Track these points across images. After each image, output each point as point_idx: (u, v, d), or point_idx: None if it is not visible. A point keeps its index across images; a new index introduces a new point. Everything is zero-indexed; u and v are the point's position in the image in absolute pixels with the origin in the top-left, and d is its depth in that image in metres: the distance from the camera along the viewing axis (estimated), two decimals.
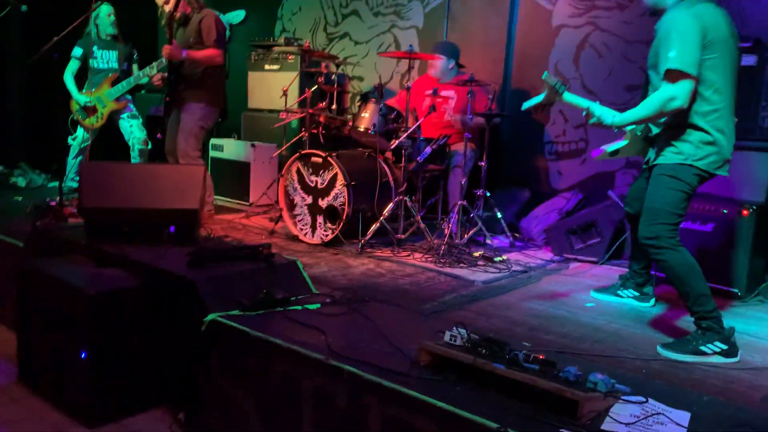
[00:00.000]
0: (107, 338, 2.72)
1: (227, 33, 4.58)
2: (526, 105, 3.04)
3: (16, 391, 2.95)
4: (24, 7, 4.86)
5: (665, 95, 2.61)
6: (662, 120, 2.78)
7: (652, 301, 3.32)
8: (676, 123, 2.73)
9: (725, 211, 3.57)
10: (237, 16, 7.23)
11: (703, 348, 2.59)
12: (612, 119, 2.79)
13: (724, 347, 2.58)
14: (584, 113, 2.88)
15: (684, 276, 2.68)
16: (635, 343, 2.76)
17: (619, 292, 3.38)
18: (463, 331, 2.22)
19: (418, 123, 4.39)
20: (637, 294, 3.34)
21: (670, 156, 2.75)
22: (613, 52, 4.86)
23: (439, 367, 2.18)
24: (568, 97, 2.94)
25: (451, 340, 2.22)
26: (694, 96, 2.64)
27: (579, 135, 5.08)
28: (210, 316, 2.62)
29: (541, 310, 3.17)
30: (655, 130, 2.89)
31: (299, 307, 2.80)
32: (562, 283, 3.72)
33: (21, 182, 5.84)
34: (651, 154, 2.92)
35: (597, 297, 3.42)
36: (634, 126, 2.89)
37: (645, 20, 4.65)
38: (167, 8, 4.43)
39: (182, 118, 4.57)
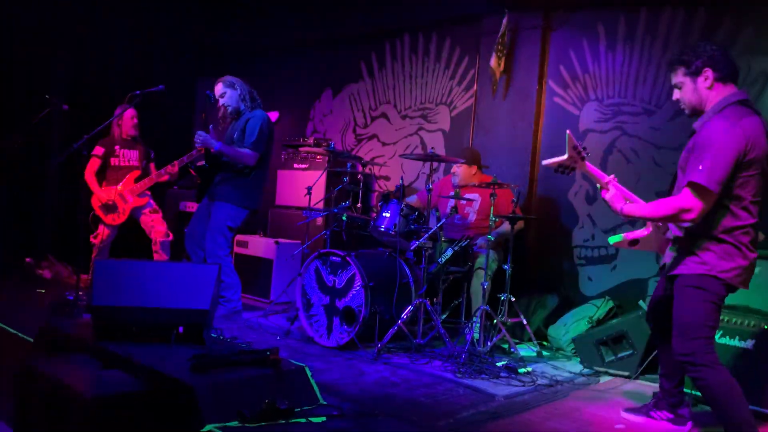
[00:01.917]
0: None
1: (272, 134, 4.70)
2: (547, 162, 2.95)
3: None
4: (65, 107, 5.09)
5: (681, 204, 2.54)
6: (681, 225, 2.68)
7: (689, 424, 3.04)
8: (699, 232, 2.61)
9: (766, 327, 3.33)
10: (271, 116, 7.46)
11: None
12: (620, 208, 2.73)
13: None
14: (599, 186, 2.83)
15: (723, 397, 2.48)
16: None
17: (651, 413, 3.11)
18: None
19: (439, 224, 4.31)
20: (671, 416, 3.06)
21: (693, 266, 2.61)
22: (641, 158, 4.79)
23: None
24: (585, 166, 2.87)
25: None
26: (720, 210, 2.55)
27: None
28: (207, 427, 2.46)
29: (568, 429, 2.91)
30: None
31: (303, 420, 2.63)
32: (590, 400, 3.46)
33: (47, 274, 5.88)
34: (669, 258, 2.78)
35: (629, 418, 3.15)
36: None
37: (673, 125, 4.63)
38: (221, 101, 4.60)
39: (212, 214, 4.58)
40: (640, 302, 4.26)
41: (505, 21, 5.17)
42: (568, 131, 2.88)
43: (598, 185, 2.85)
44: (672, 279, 2.73)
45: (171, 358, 2.96)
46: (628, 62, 4.89)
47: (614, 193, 2.77)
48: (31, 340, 3.62)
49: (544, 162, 2.97)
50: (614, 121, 4.94)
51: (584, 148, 2.90)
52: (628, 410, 3.20)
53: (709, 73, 2.63)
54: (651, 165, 4.72)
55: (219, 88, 4.61)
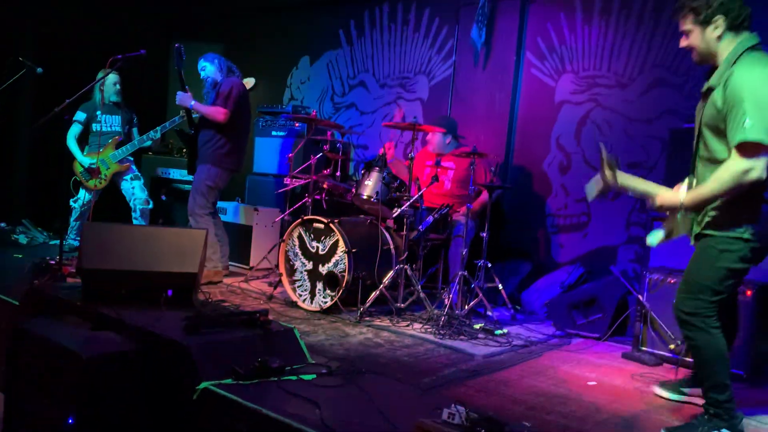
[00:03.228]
0: (97, 404, 2.64)
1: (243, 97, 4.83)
2: (591, 194, 2.75)
3: None
4: (40, 70, 5.00)
5: (739, 168, 2.35)
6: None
7: None
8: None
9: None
10: (247, 83, 7.42)
11: None
12: (680, 202, 2.53)
13: None
14: (648, 201, 2.63)
15: (710, 360, 2.54)
16: (640, 426, 2.67)
17: (683, 389, 3.07)
18: (461, 408, 2.16)
19: (420, 192, 4.42)
20: None
21: (725, 226, 2.50)
22: (614, 129, 4.94)
23: None
24: (625, 179, 2.66)
25: (448, 418, 2.15)
26: None
27: (581, 209, 5.10)
28: (202, 384, 2.55)
29: (542, 387, 3.09)
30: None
31: (294, 377, 2.74)
32: (563, 360, 3.65)
33: (23, 240, 5.84)
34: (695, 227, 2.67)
35: (660, 393, 3.09)
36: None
37: (645, 98, 4.78)
38: (201, 74, 4.89)
39: (194, 176, 4.86)
40: (611, 268, 4.45)
41: None
42: (601, 144, 2.69)
43: (647, 200, 2.65)
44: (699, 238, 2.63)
45: (162, 320, 3.02)
46: (603, 35, 5.01)
47: (664, 192, 2.61)
48: (16, 303, 3.64)
49: (589, 196, 2.78)
50: (589, 93, 5.07)
51: (617, 158, 2.68)
52: (662, 385, 3.13)
53: (720, 22, 2.49)
54: (623, 137, 4.88)
55: (200, 63, 4.89)
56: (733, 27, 2.49)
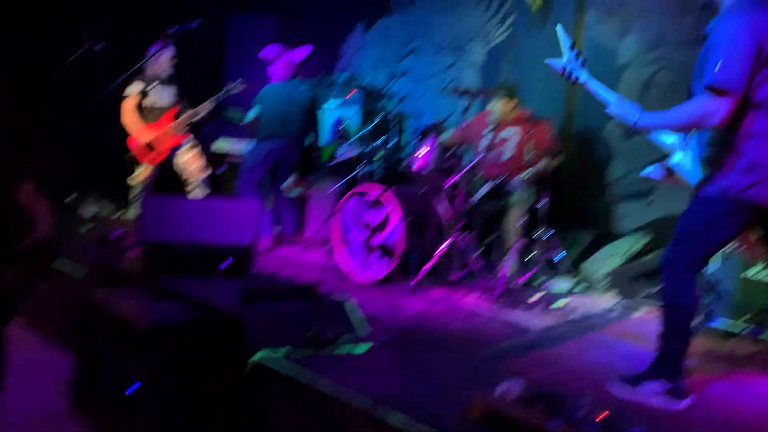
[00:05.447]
0: (159, 371, 2.72)
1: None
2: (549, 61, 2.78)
3: (69, 417, 2.99)
4: (102, 43, 5.06)
5: (704, 108, 2.37)
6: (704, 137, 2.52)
7: None
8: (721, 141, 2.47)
9: None
10: (301, 53, 7.38)
11: (645, 384, 2.52)
12: (635, 119, 2.56)
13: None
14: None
15: (674, 306, 2.56)
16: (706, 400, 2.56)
17: None
18: (519, 382, 2.10)
19: (475, 160, 4.31)
20: None
21: (717, 181, 2.48)
22: (679, 92, 4.64)
23: (492, 421, 2.06)
24: (590, 82, 2.68)
25: (504, 392, 2.11)
26: (744, 114, 2.39)
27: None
28: (257, 355, 2.59)
29: (600, 363, 2.99)
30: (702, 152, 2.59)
31: (347, 349, 2.74)
32: (623, 333, 3.52)
33: (89, 212, 6.05)
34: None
35: None
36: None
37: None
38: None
39: None
40: None
41: None
42: (559, 26, 2.72)
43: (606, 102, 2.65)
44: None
45: (219, 291, 3.08)
46: None
47: (628, 104, 2.60)
48: (81, 275, 3.78)
49: (547, 60, 2.82)
50: (655, 53, 4.80)
51: (579, 52, 2.70)
52: None
53: None
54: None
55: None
56: None
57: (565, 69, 2.71)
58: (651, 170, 2.82)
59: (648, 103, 4.77)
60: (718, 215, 2.48)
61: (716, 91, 2.34)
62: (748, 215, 2.47)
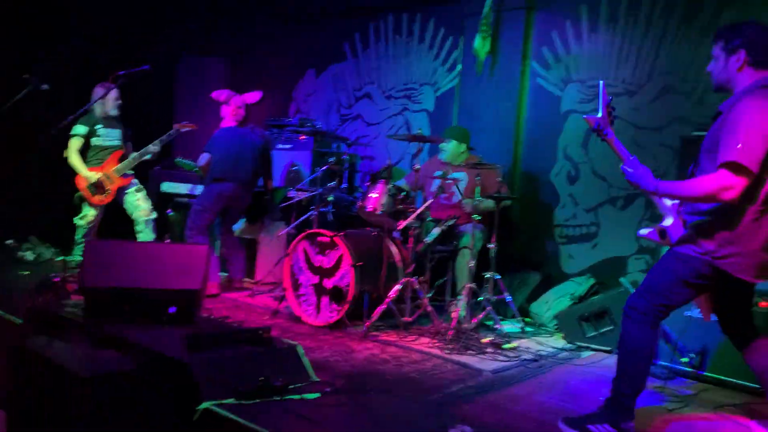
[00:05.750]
0: (99, 423, 2.60)
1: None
2: (587, 116, 2.78)
3: None
4: (45, 86, 4.98)
5: (722, 183, 2.42)
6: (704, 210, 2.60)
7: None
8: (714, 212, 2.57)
9: None
10: (253, 96, 7.41)
11: (590, 427, 2.56)
12: (654, 185, 2.60)
13: None
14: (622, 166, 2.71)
15: (633, 352, 2.63)
16: None
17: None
18: (467, 429, 2.10)
19: (426, 204, 4.36)
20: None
21: (701, 243, 2.57)
22: (621, 138, 4.82)
23: None
24: (616, 140, 2.72)
25: None
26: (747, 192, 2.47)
27: (590, 218, 5.03)
28: (204, 405, 2.50)
29: (551, 404, 3.01)
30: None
31: (297, 396, 2.68)
32: (573, 374, 3.57)
33: (29, 256, 5.83)
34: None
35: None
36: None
37: (653, 106, 4.71)
38: None
39: None
40: (621, 279, 4.37)
41: (488, 1, 5.20)
42: (601, 82, 2.71)
43: (621, 165, 2.71)
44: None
45: (164, 338, 2.99)
46: (610, 43, 4.96)
47: (644, 168, 2.66)
48: (20, 321, 3.62)
49: (584, 116, 2.81)
50: (595, 102, 4.99)
51: (613, 109, 2.75)
52: None
53: (742, 54, 2.57)
54: (631, 145, 4.80)
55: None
56: (755, 63, 2.58)
57: (599, 125, 2.76)
58: (647, 231, 2.88)
59: (591, 148, 4.98)
60: (693, 273, 2.57)
61: (736, 167, 2.41)
62: (716, 280, 2.57)
